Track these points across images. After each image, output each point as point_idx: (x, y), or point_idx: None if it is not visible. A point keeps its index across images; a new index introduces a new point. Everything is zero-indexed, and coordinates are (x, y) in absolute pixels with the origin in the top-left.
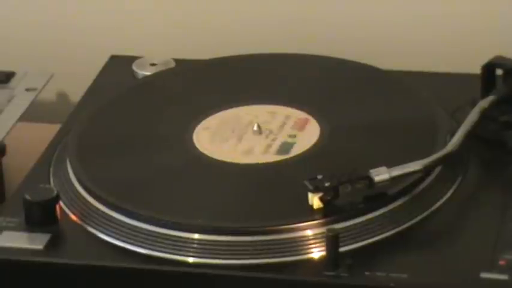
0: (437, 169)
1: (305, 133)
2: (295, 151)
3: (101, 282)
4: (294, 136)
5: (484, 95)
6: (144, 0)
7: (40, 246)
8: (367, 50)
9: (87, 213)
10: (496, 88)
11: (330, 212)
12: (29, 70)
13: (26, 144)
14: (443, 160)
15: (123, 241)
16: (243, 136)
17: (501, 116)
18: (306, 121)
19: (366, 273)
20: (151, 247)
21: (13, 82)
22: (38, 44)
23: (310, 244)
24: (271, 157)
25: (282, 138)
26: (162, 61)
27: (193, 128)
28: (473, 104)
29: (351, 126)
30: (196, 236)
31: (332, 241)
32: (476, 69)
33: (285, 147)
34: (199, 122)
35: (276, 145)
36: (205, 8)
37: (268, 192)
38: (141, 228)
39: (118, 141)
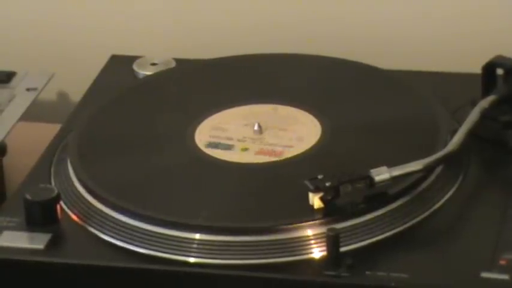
0: (438, 169)
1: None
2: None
3: (101, 282)
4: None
5: (485, 94)
6: (144, 0)
7: (40, 246)
8: (367, 50)
9: (87, 213)
10: (496, 88)
11: (331, 211)
12: (29, 70)
13: (27, 144)
14: (444, 160)
15: (124, 241)
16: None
17: (502, 115)
18: (280, 153)
19: (367, 272)
20: (151, 247)
21: (14, 82)
22: (39, 43)
23: (311, 244)
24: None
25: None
26: (162, 61)
27: (194, 128)
28: (474, 104)
29: (351, 126)
30: (196, 236)
31: (333, 241)
32: (477, 69)
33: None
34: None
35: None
36: (205, 7)
37: (268, 192)
38: (142, 228)
39: (119, 141)
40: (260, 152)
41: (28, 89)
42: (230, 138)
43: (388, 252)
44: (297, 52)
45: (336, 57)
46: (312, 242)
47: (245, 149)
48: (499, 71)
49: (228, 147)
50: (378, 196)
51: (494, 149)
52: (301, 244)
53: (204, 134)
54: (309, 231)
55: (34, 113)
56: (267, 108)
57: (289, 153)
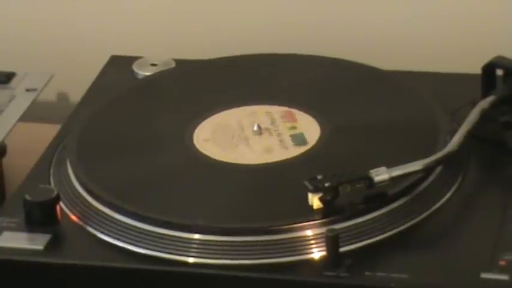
0: (438, 169)
1: (301, 124)
2: (310, 140)
3: (100, 282)
4: (295, 128)
5: (484, 95)
6: (144, 0)
7: (40, 247)
8: (367, 50)
9: (87, 213)
10: (496, 88)
11: (330, 212)
12: (29, 70)
13: (26, 145)
14: (444, 160)
15: (123, 241)
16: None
17: (501, 116)
18: (291, 113)
19: (366, 273)
20: (151, 247)
21: (13, 82)
22: (39, 44)
23: (310, 244)
24: (293, 151)
25: (285, 132)
26: (162, 61)
27: (194, 128)
28: (474, 104)
29: (351, 126)
30: (196, 236)
31: (332, 241)
32: (477, 70)
33: (299, 139)
34: (199, 122)
35: (288, 140)
36: (205, 8)
37: (268, 192)
38: (141, 229)
39: (118, 142)
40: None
41: (28, 90)
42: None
43: (388, 252)
44: (297, 52)
45: (335, 58)
46: (312, 242)
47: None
48: (499, 72)
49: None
50: (378, 196)
51: (493, 149)
52: (300, 244)
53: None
54: (309, 232)
55: (34, 113)
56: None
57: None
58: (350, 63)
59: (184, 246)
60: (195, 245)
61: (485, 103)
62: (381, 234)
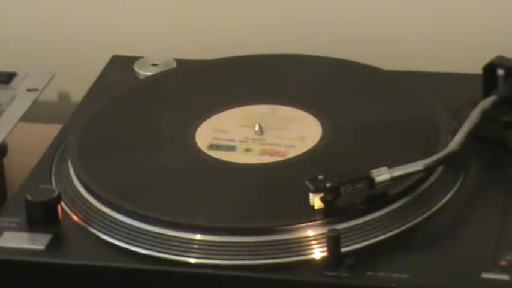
0: (439, 169)
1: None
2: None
3: (101, 282)
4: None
5: (485, 95)
6: (145, 0)
7: (41, 247)
8: (367, 50)
9: (88, 213)
10: (497, 88)
11: (331, 212)
12: (30, 70)
13: (28, 145)
14: (445, 160)
15: (124, 241)
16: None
17: (502, 116)
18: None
19: (368, 273)
20: (152, 247)
21: (15, 82)
22: (40, 44)
23: (312, 244)
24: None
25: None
26: (163, 61)
27: (194, 128)
28: (475, 104)
29: (352, 126)
30: (197, 236)
31: (333, 241)
32: (478, 70)
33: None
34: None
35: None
36: (206, 8)
37: (269, 192)
38: (142, 229)
39: (119, 142)
40: (261, 153)
41: (29, 90)
42: (232, 140)
43: (389, 252)
44: (297, 52)
45: (336, 58)
46: (313, 242)
47: (247, 150)
48: (500, 72)
49: (231, 149)
50: (379, 196)
51: (494, 149)
52: (301, 245)
53: (205, 134)
54: (310, 232)
55: (35, 113)
56: (267, 109)
57: (290, 154)
58: (351, 63)
59: (186, 246)
60: (196, 245)
61: (486, 103)
62: (382, 234)
